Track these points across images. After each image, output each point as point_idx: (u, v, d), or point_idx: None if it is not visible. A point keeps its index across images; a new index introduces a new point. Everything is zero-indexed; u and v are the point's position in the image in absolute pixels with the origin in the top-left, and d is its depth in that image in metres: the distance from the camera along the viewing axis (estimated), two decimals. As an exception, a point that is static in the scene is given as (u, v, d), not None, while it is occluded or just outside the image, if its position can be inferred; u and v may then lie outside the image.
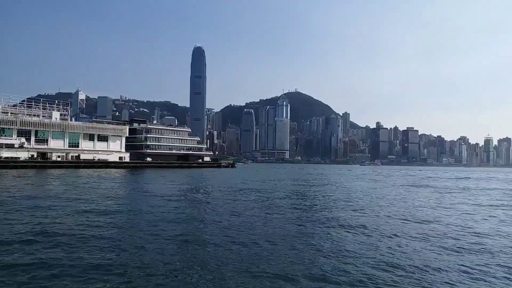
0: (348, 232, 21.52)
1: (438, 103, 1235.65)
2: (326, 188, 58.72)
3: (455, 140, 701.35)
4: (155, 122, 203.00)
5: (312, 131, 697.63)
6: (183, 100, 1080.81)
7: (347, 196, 44.64)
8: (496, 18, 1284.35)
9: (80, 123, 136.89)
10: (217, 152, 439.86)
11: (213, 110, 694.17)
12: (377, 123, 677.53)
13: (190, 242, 18.06)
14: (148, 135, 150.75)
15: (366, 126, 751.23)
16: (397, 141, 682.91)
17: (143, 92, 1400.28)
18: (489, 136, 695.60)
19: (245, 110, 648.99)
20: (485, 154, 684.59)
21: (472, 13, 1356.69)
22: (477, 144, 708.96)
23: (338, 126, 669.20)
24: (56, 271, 12.98)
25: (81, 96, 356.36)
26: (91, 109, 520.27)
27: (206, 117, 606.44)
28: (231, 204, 33.59)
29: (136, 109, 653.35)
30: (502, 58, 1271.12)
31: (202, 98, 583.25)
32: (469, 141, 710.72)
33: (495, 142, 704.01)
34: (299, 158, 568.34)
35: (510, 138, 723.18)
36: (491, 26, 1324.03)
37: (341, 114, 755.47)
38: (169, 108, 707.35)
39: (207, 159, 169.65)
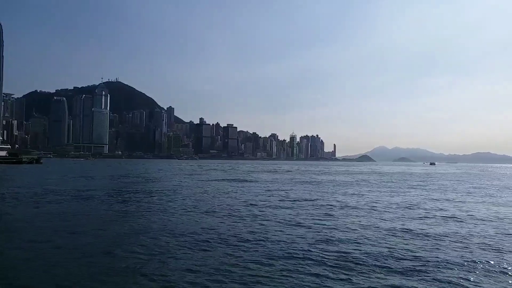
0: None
1: (253, 103, 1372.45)
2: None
3: (267, 136, 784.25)
4: None
5: (134, 124, 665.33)
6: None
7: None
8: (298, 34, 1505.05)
9: None
10: (17, 146, 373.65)
11: (12, 96, 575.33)
12: (201, 119, 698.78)
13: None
14: None
15: (190, 121, 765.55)
16: (219, 137, 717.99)
17: None
18: (293, 134, 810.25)
19: (56, 97, 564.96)
20: (291, 149, 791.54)
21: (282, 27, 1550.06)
22: (284, 140, 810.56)
23: (163, 120, 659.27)
24: None
25: None
26: None
27: (2, 103, 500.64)
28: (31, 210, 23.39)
29: None
30: (301, 70, 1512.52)
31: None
32: (278, 138, 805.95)
33: (298, 139, 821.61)
34: (120, 152, 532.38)
35: (309, 136, 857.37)
36: (293, 41, 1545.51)
37: (166, 108, 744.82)
38: None
39: (2, 153, 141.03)
